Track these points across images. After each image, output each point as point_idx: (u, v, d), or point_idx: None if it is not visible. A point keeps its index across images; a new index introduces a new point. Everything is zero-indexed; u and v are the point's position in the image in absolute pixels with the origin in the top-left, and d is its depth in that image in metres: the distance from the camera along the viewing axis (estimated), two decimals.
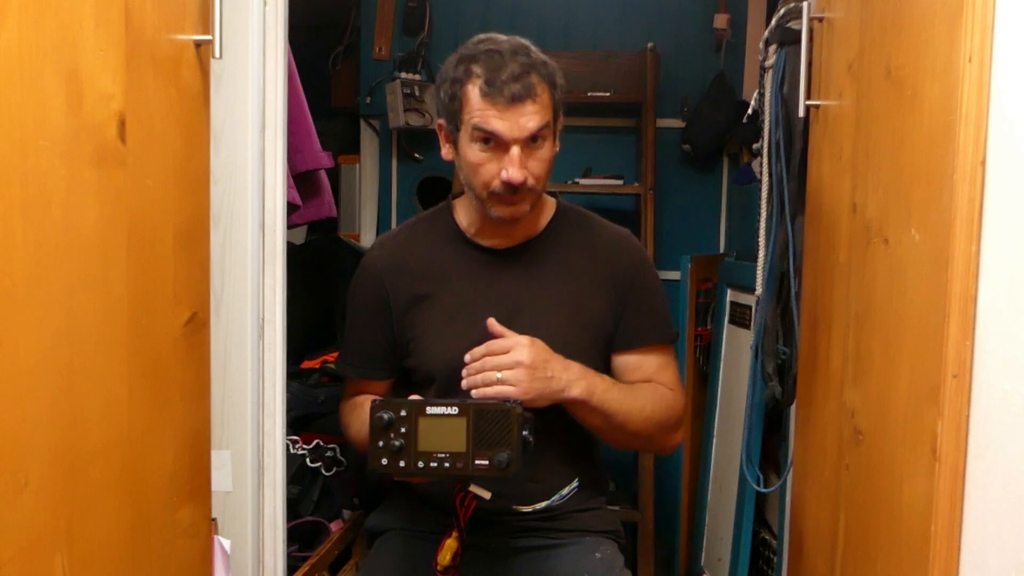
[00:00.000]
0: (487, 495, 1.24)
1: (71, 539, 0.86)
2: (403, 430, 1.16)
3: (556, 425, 1.38)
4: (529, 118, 1.30)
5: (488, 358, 1.28)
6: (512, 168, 1.30)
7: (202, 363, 1.17)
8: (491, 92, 1.29)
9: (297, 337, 1.86)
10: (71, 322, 0.86)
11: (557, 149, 1.40)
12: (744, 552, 2.18)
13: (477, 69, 1.31)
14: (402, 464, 1.16)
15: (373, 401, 1.19)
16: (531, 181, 1.33)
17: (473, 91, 1.31)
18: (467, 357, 1.29)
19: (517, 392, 1.25)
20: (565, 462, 1.45)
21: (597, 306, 1.44)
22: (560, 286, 1.44)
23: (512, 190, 1.32)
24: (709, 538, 2.50)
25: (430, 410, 1.16)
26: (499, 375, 1.26)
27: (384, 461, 1.16)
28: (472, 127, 1.32)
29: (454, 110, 1.35)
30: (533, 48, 1.35)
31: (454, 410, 1.16)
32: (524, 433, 1.15)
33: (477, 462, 1.15)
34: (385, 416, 1.16)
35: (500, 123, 1.30)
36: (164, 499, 1.07)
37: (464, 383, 1.28)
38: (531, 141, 1.32)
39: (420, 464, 1.16)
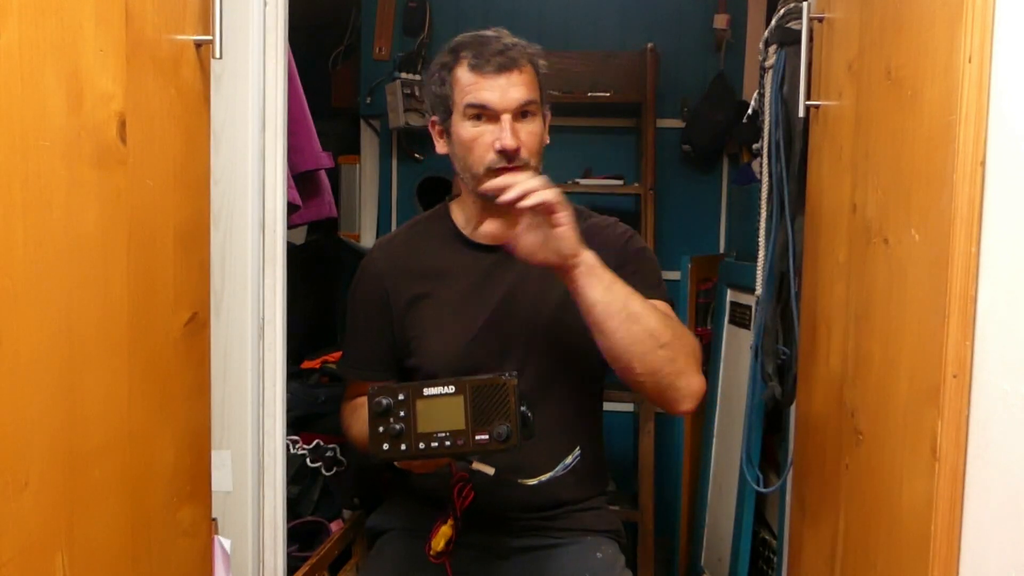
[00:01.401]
0: (490, 471, 1.24)
1: (71, 539, 0.86)
2: (402, 413, 1.15)
3: (557, 400, 1.39)
4: (516, 88, 1.35)
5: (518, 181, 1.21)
6: (505, 135, 1.33)
7: (202, 363, 1.17)
8: (478, 64, 1.35)
9: (297, 337, 1.86)
10: (71, 322, 0.86)
11: (547, 140, 1.43)
12: (744, 552, 2.18)
13: (464, 52, 1.38)
14: (403, 447, 1.15)
15: (371, 388, 1.19)
16: (524, 152, 1.35)
17: (461, 70, 1.37)
18: (488, 186, 1.25)
19: (553, 195, 1.19)
20: (567, 435, 1.44)
21: None
22: (555, 278, 1.44)
23: (507, 159, 1.34)
24: (709, 538, 2.50)
25: (427, 391, 1.16)
26: (532, 185, 1.19)
27: (385, 446, 1.15)
28: (464, 105, 1.36)
29: (445, 95, 1.39)
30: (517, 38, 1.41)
31: (451, 388, 1.15)
32: (522, 408, 1.15)
33: (477, 437, 1.14)
34: (384, 401, 1.15)
35: (489, 93, 1.34)
36: (164, 499, 1.07)
37: (502, 197, 1.21)
38: (521, 116, 1.36)
39: (421, 445, 1.15)
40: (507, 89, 1.34)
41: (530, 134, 1.37)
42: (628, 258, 1.45)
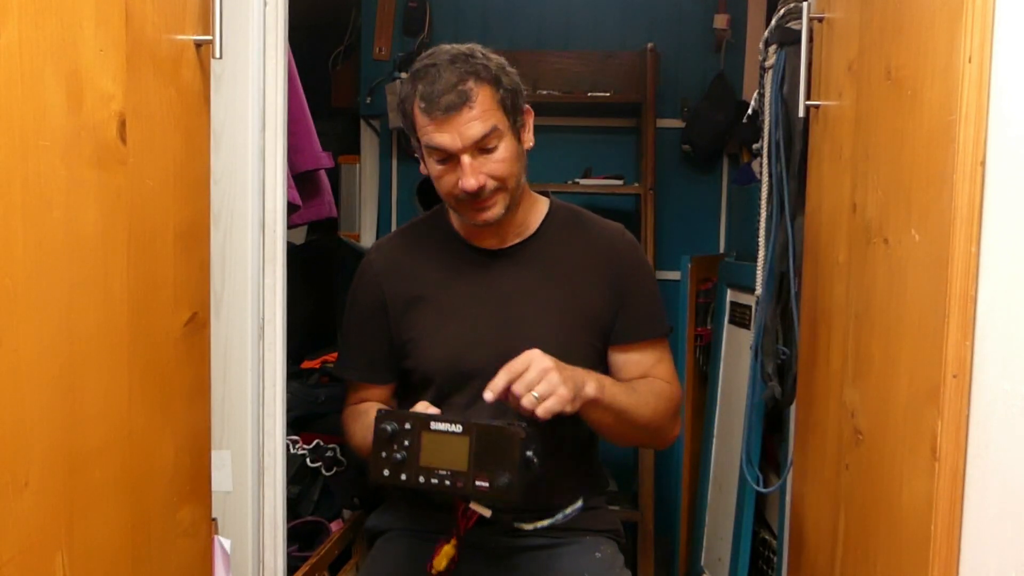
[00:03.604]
0: (487, 513, 1.24)
1: (71, 539, 0.86)
2: (406, 443, 1.17)
3: (557, 435, 1.38)
4: (468, 126, 1.30)
5: (516, 384, 1.20)
6: (464, 177, 1.31)
7: (202, 363, 1.17)
8: (427, 107, 1.30)
9: (297, 337, 1.85)
10: (71, 322, 0.86)
11: (529, 144, 1.41)
12: (744, 552, 2.18)
13: (418, 86, 1.32)
14: (403, 477, 1.16)
15: (378, 411, 1.20)
16: (490, 184, 1.33)
17: (416, 110, 1.33)
18: (487, 395, 1.20)
19: (564, 396, 1.19)
20: (568, 476, 1.45)
21: (593, 302, 1.44)
22: (555, 284, 1.44)
23: (474, 196, 1.33)
24: (709, 538, 2.50)
25: (434, 426, 1.17)
26: (535, 394, 1.18)
27: (385, 472, 1.17)
28: (424, 145, 1.35)
29: (411, 128, 1.38)
30: (479, 53, 1.35)
31: (458, 428, 1.16)
32: (528, 454, 1.14)
33: (477, 483, 1.14)
34: (389, 428, 1.17)
35: (441, 136, 1.31)
36: (164, 499, 1.07)
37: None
38: (482, 149, 1.32)
39: (421, 479, 1.16)
40: (459, 129, 1.30)
41: (497, 163, 1.33)
42: (630, 290, 1.46)
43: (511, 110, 1.35)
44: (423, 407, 1.25)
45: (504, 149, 1.34)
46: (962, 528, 0.90)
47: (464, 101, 1.29)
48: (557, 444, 1.36)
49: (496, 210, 1.36)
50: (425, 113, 1.31)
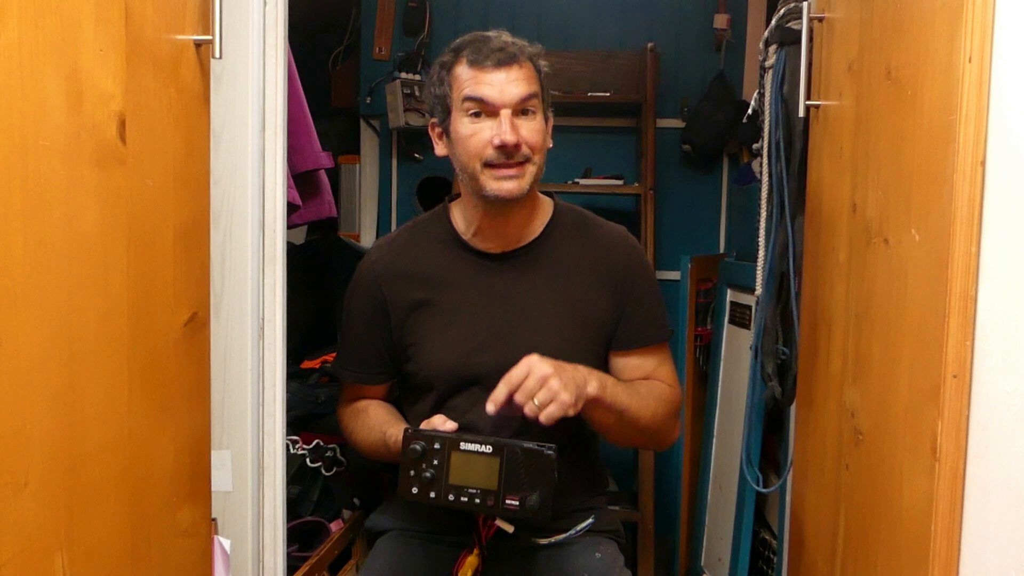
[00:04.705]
0: (510, 529, 1.28)
1: (71, 539, 0.86)
2: (435, 462, 1.18)
3: (559, 438, 1.39)
4: (515, 83, 1.34)
5: (517, 394, 1.20)
6: (504, 129, 1.32)
7: (202, 363, 1.17)
8: (478, 59, 1.34)
9: (297, 337, 1.86)
10: (71, 322, 0.85)
11: (550, 144, 1.42)
12: (744, 552, 2.18)
13: (464, 50, 1.37)
14: (432, 495, 1.18)
15: (406, 431, 1.21)
16: (525, 148, 1.34)
17: (461, 67, 1.36)
18: (489, 408, 1.21)
19: (566, 402, 1.18)
20: (578, 488, 1.47)
21: (596, 306, 1.44)
22: (558, 288, 1.44)
23: (506, 155, 1.33)
24: (709, 538, 2.50)
25: (464, 446, 1.18)
26: (536, 402, 1.19)
27: (415, 490, 1.19)
28: (462, 99, 1.35)
29: (443, 94, 1.39)
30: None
31: (488, 448, 1.18)
32: (555, 473, 1.17)
33: (507, 502, 1.17)
34: (418, 447, 1.19)
35: (489, 88, 1.33)
36: (164, 499, 1.07)
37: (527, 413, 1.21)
38: (521, 113, 1.35)
39: (451, 497, 1.18)
40: (506, 84, 1.33)
41: (532, 131, 1.35)
42: (632, 295, 1.46)
43: (544, 94, 1.40)
44: (440, 421, 1.26)
45: (538, 121, 1.37)
46: (962, 528, 0.90)
47: (513, 60, 1.34)
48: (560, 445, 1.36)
49: (523, 181, 1.35)
50: (474, 65, 1.34)
